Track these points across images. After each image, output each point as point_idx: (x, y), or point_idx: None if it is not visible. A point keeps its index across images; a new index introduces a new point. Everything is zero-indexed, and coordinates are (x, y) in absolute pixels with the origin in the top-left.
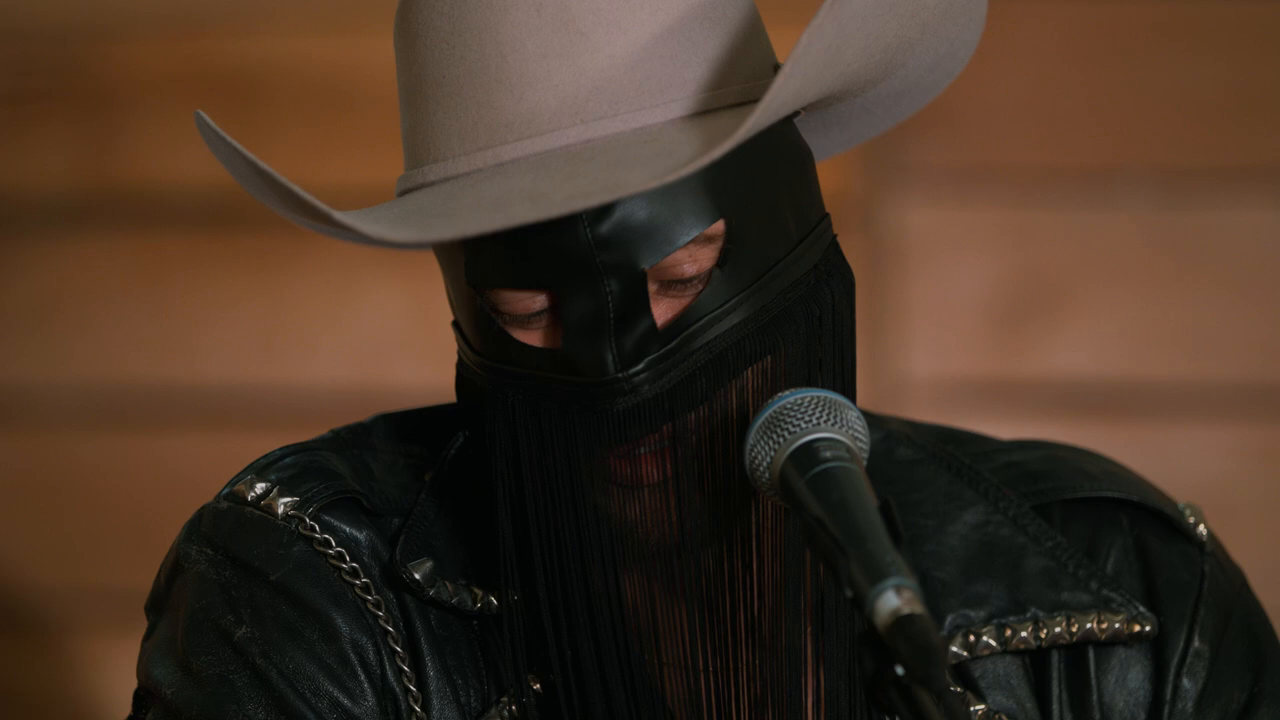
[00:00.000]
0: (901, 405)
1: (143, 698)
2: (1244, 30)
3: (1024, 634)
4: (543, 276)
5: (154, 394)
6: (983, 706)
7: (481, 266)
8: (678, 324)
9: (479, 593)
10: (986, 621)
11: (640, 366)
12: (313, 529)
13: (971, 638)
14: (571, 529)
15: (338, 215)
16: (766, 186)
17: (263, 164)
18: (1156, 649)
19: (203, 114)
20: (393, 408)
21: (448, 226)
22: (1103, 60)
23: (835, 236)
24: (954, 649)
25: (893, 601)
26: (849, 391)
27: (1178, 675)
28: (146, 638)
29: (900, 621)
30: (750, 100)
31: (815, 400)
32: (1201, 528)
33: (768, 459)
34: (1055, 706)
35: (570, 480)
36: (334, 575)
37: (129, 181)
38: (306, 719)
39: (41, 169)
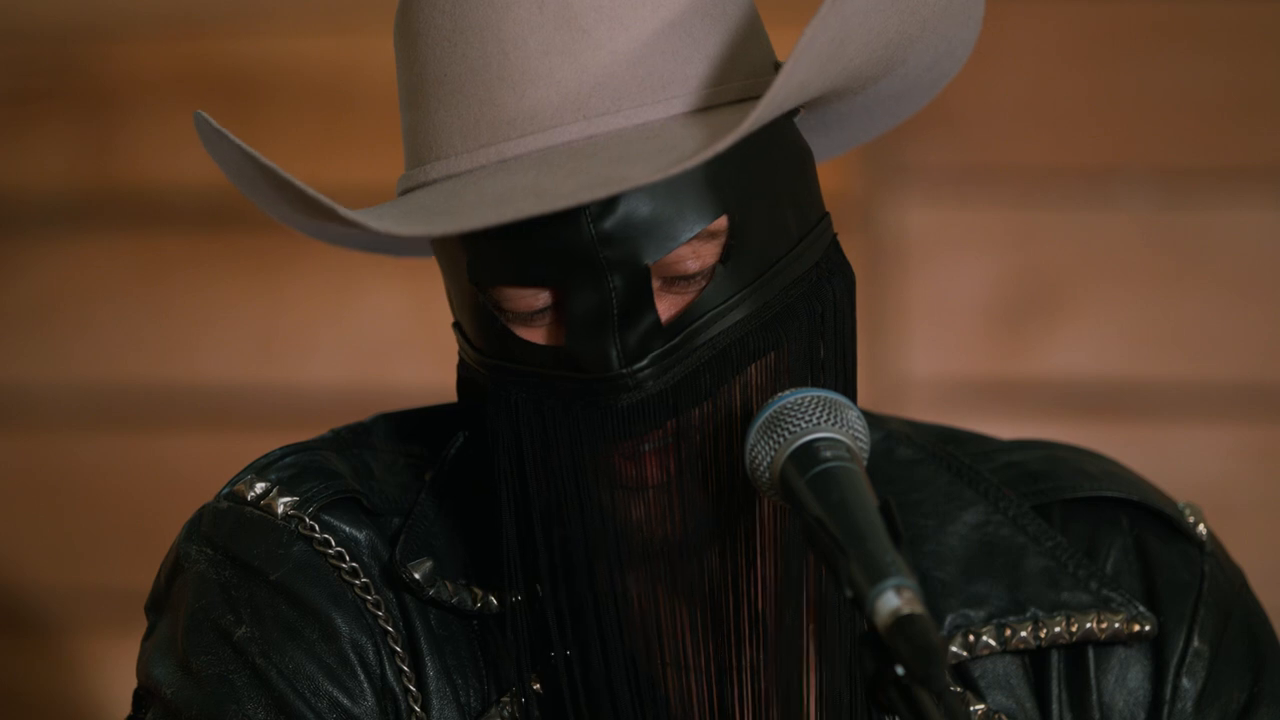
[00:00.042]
0: (901, 405)
1: (142, 697)
2: (1244, 30)
3: (1024, 634)
4: (546, 273)
5: (154, 394)
6: (982, 706)
7: (484, 264)
8: (681, 320)
9: (479, 592)
10: (986, 621)
11: (644, 362)
12: (312, 529)
13: (971, 637)
14: (577, 527)
15: (342, 210)
16: (768, 183)
17: (267, 161)
18: (1156, 649)
19: (204, 114)
20: (393, 408)
21: (451, 221)
22: (1103, 60)
23: (835, 235)
24: (954, 649)
25: (893, 601)
26: (850, 389)
27: (1177, 675)
28: (146, 637)
29: (900, 621)
30: (751, 97)
31: (815, 400)
32: (1201, 528)
33: (768, 459)
34: (1055, 706)
35: (575, 478)
36: (334, 575)
37: (129, 181)
38: (306, 718)
39: (41, 169)
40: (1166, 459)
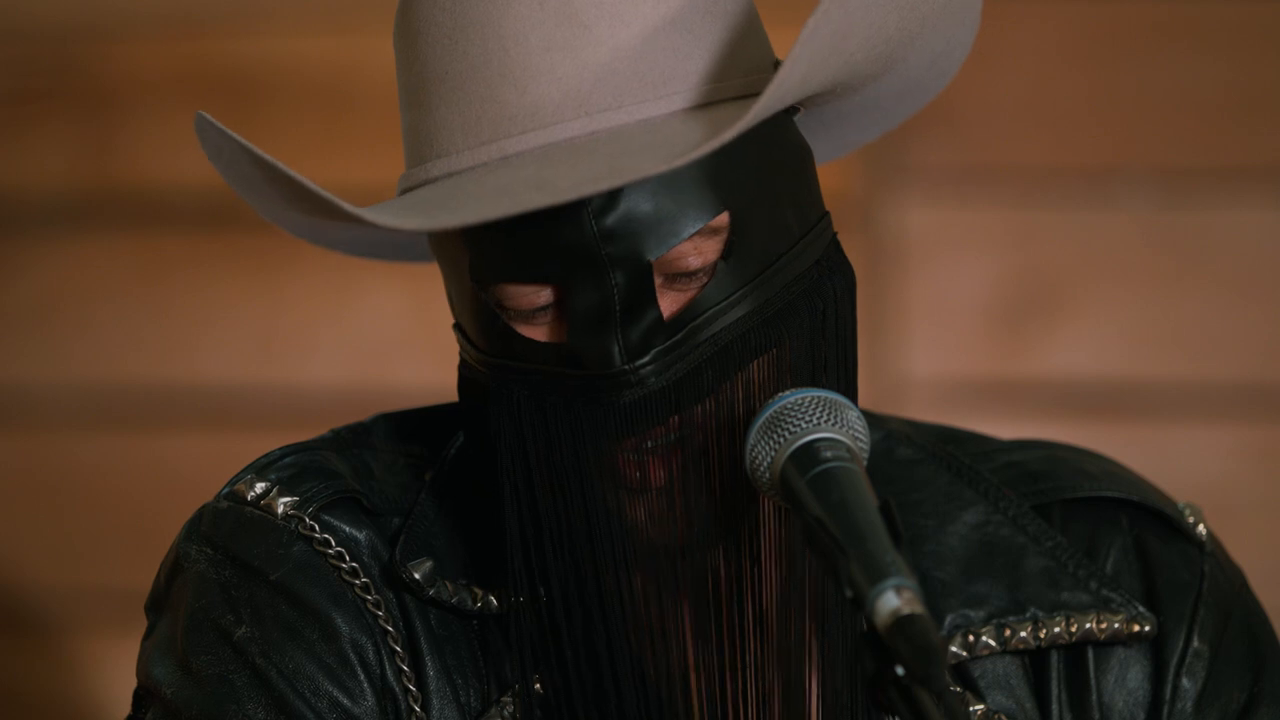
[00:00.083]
0: (901, 405)
1: (142, 697)
2: (1244, 30)
3: (1023, 634)
4: (548, 270)
5: (154, 394)
6: (982, 706)
7: (485, 262)
8: (683, 316)
9: (479, 592)
10: (986, 621)
11: (646, 358)
12: (312, 529)
13: (971, 638)
14: (581, 526)
15: (343, 205)
16: (769, 181)
17: (268, 156)
18: (1156, 649)
19: (205, 114)
20: (393, 408)
21: (452, 215)
22: (1103, 60)
23: (836, 234)
24: (953, 649)
25: (893, 601)
26: (851, 389)
27: (1177, 675)
28: (146, 637)
29: (900, 621)
30: (751, 94)
31: (815, 400)
32: (1201, 528)
33: (768, 459)
34: (1055, 706)
35: (579, 477)
36: (334, 575)
37: (129, 181)
38: (306, 718)
39: (41, 169)
40: (1166, 459)
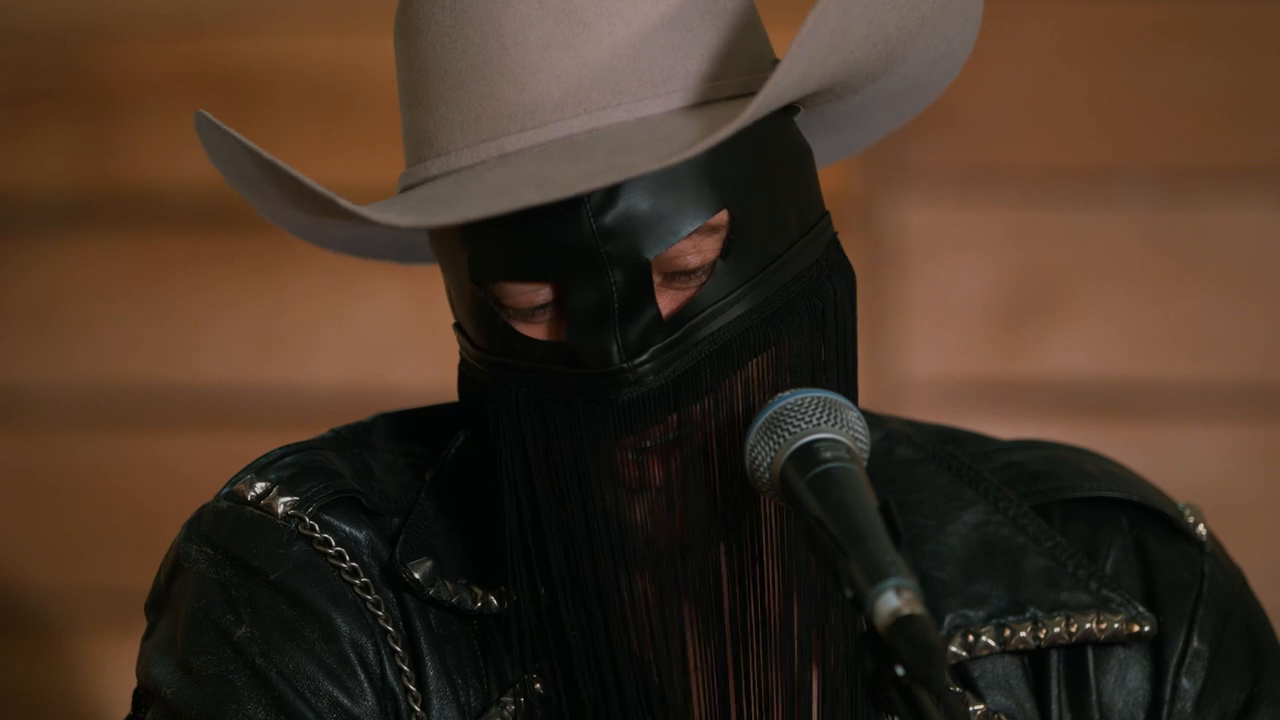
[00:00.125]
0: (901, 405)
1: (142, 697)
2: (1244, 30)
3: (1023, 634)
4: (547, 268)
5: (154, 394)
6: (982, 706)
7: (484, 260)
8: (682, 314)
9: (479, 592)
10: (986, 621)
11: (645, 357)
12: (312, 528)
13: (971, 638)
14: (581, 525)
15: (342, 202)
16: (768, 179)
17: (266, 154)
18: (1156, 649)
19: (205, 112)
20: (393, 408)
21: (450, 212)
22: (1103, 60)
23: (836, 234)
24: (953, 649)
25: (893, 602)
26: (851, 388)
27: (1177, 675)
28: (146, 637)
29: (900, 622)
30: (750, 92)
31: (815, 401)
32: (1201, 528)
33: (768, 459)
34: (1054, 706)
35: (577, 475)
36: (334, 575)
37: (129, 181)
38: (306, 718)
39: (41, 169)
40: (1166, 459)
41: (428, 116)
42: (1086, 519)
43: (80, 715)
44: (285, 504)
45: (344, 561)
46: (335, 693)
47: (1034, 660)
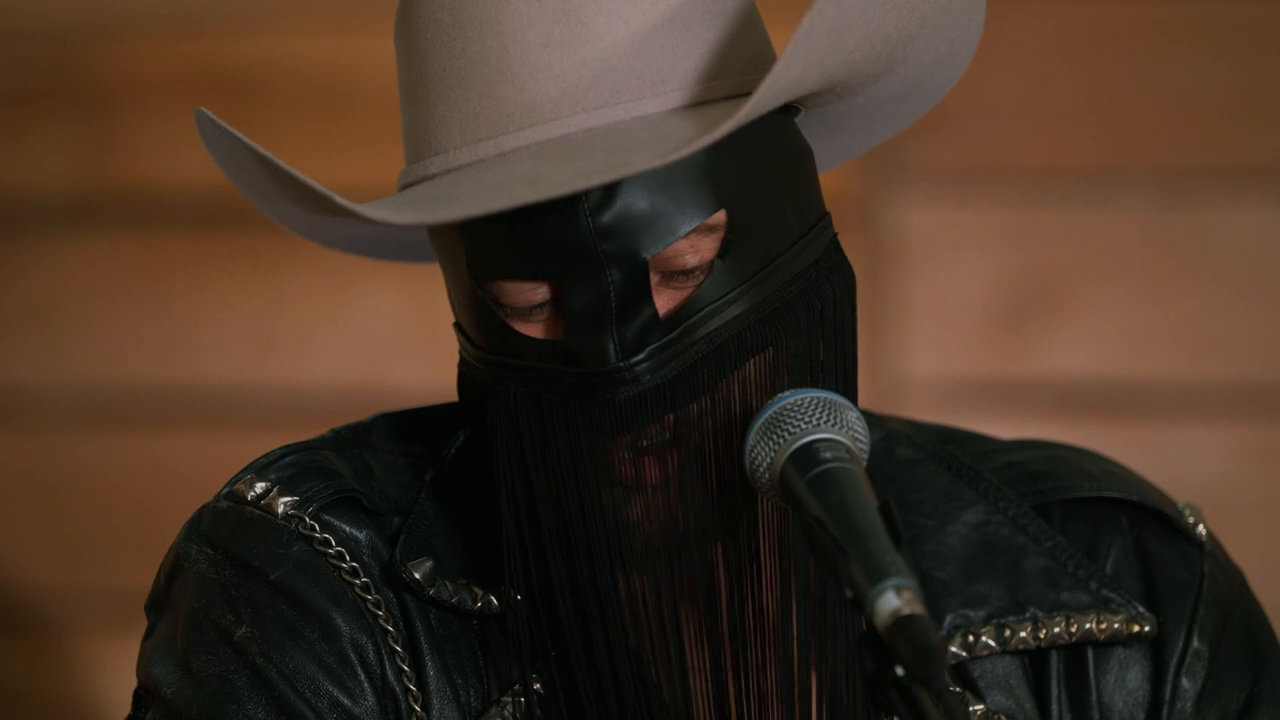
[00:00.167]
0: (901, 405)
1: (142, 697)
2: (1244, 30)
3: (1023, 634)
4: (544, 267)
5: (154, 394)
6: (982, 706)
7: (483, 259)
8: (679, 314)
9: (479, 592)
10: (986, 621)
11: (642, 356)
12: (313, 528)
13: (971, 638)
14: (578, 524)
15: (339, 200)
16: (767, 180)
17: (265, 151)
18: (1156, 649)
19: (205, 111)
20: (393, 408)
21: (448, 210)
22: (1103, 60)
23: (836, 235)
24: (953, 649)
25: (893, 602)
26: (850, 389)
27: (1177, 675)
28: (146, 637)
29: (900, 622)
30: (749, 92)
31: (815, 401)
32: (1201, 528)
33: (768, 460)
34: (1054, 706)
35: (575, 474)
36: (334, 575)
37: (129, 181)
38: (307, 718)
39: (41, 169)
40: (1166, 459)
41: (427, 115)
42: (1086, 519)
43: (80, 715)
44: (285, 504)
45: (344, 561)
46: (335, 692)
47: (1034, 660)
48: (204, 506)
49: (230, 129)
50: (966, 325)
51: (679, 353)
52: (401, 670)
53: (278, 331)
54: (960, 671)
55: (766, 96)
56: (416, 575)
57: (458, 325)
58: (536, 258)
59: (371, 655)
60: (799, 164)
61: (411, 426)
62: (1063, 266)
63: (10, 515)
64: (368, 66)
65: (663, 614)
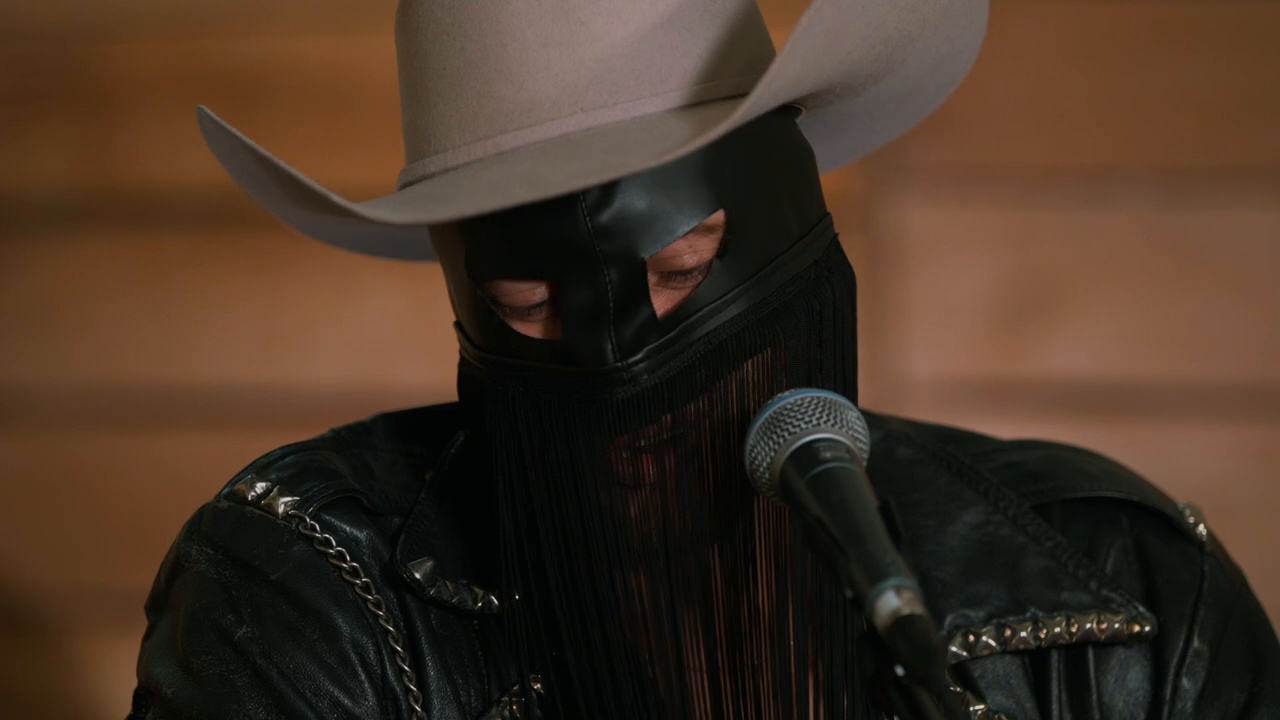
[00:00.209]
0: (901, 405)
1: (143, 697)
2: (1244, 30)
3: (1023, 634)
4: (543, 267)
5: (154, 394)
6: (982, 706)
7: (481, 258)
8: (677, 314)
9: (479, 592)
10: (986, 621)
11: (639, 356)
12: (313, 528)
13: (971, 638)
14: (576, 524)
15: (338, 200)
16: (767, 180)
17: (265, 151)
18: (1156, 649)
19: (205, 109)
20: (393, 408)
21: (446, 209)
22: (1103, 60)
23: (836, 235)
24: (954, 649)
25: (893, 602)
26: (850, 390)
27: (1177, 675)
28: (146, 637)
29: (900, 622)
30: (747, 92)
31: (815, 401)
32: (1201, 528)
33: (767, 459)
34: (1055, 706)
35: (573, 474)
36: (334, 575)
37: (129, 181)
38: (307, 718)
39: (41, 169)
40: (1166, 459)
41: (426, 114)
42: (1086, 519)
43: (80, 715)
44: (286, 504)
45: (345, 561)
46: (336, 693)
47: (1034, 660)
48: (204, 506)
49: (230, 128)
50: (966, 325)
51: (677, 353)
52: (402, 670)
53: (278, 332)
54: (961, 671)
55: (764, 96)
56: (417, 575)
57: (458, 324)
58: (534, 257)
59: (372, 655)
60: (799, 164)
61: (411, 426)
62: (1063, 266)
63: (10, 515)
64: (368, 66)
65: (660, 614)
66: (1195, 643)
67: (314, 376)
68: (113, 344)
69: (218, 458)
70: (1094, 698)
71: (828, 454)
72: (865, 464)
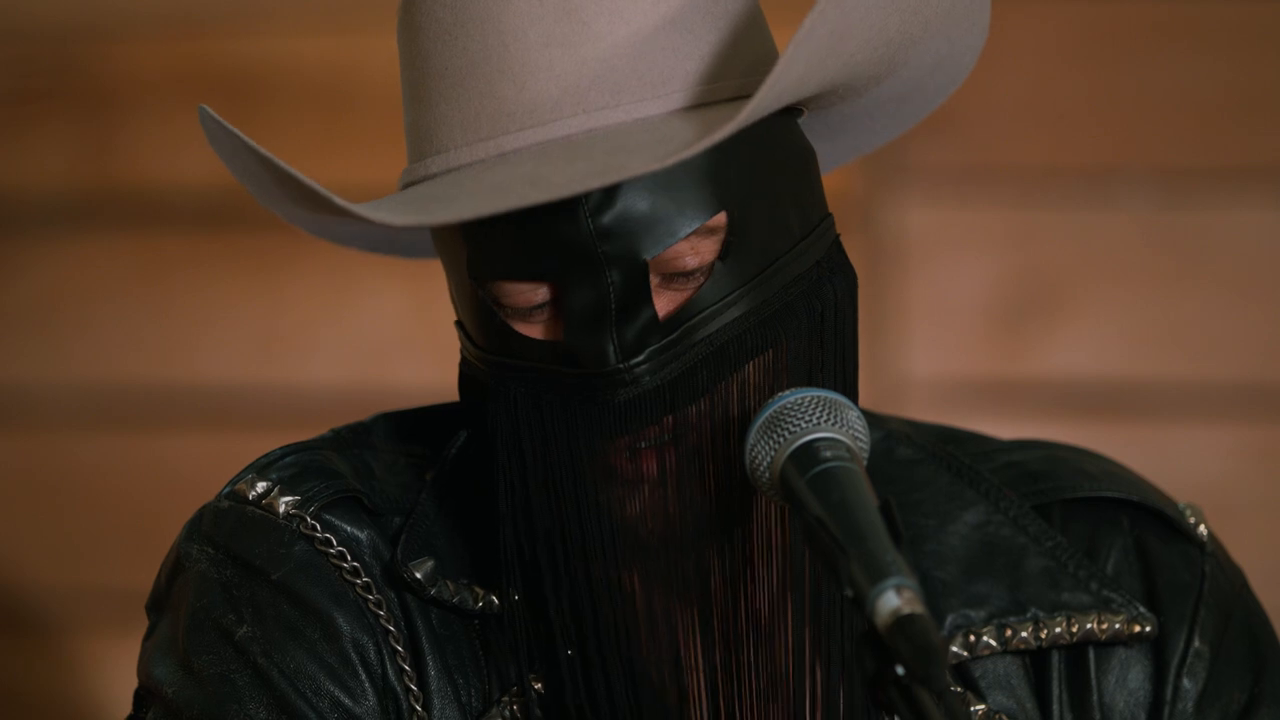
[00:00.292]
0: (901, 405)
1: (143, 697)
2: (1244, 30)
3: (1024, 634)
4: (545, 268)
5: (154, 394)
6: (983, 706)
7: (483, 259)
8: (679, 315)
9: (480, 592)
10: (987, 621)
11: (641, 357)
12: (314, 528)
13: (972, 638)
14: (575, 524)
15: (339, 201)
16: (769, 181)
17: (266, 152)
18: (1157, 649)
19: (207, 108)
20: (393, 408)
21: (447, 211)
22: (1103, 60)
23: (838, 236)
24: (954, 649)
25: (893, 601)
26: (851, 390)
27: (1178, 676)
28: (147, 637)
29: (900, 621)
30: (750, 94)
31: (815, 400)
32: (1202, 528)
33: (768, 459)
34: (1055, 707)
35: (573, 475)
36: (335, 574)
37: (129, 181)
38: (308, 718)
39: (41, 169)
40: (1166, 459)
41: (428, 114)
42: (1087, 519)
43: (80, 715)
44: (286, 504)
45: (345, 561)
46: (337, 692)
47: (1035, 660)
48: (205, 506)
49: (231, 128)
50: (966, 325)
51: (678, 354)
52: (403, 670)
53: (278, 332)
54: (961, 671)
55: (767, 98)
56: (418, 575)
57: (459, 323)
58: (536, 259)
59: (372, 655)
60: (801, 165)
61: (412, 426)
62: (1063, 266)
63: (10, 515)
64: (368, 66)
65: (659, 614)
66: (1196, 643)
67: (314, 376)
68: (113, 344)
69: (218, 458)
70: (1095, 698)
71: (828, 453)
72: (865, 463)
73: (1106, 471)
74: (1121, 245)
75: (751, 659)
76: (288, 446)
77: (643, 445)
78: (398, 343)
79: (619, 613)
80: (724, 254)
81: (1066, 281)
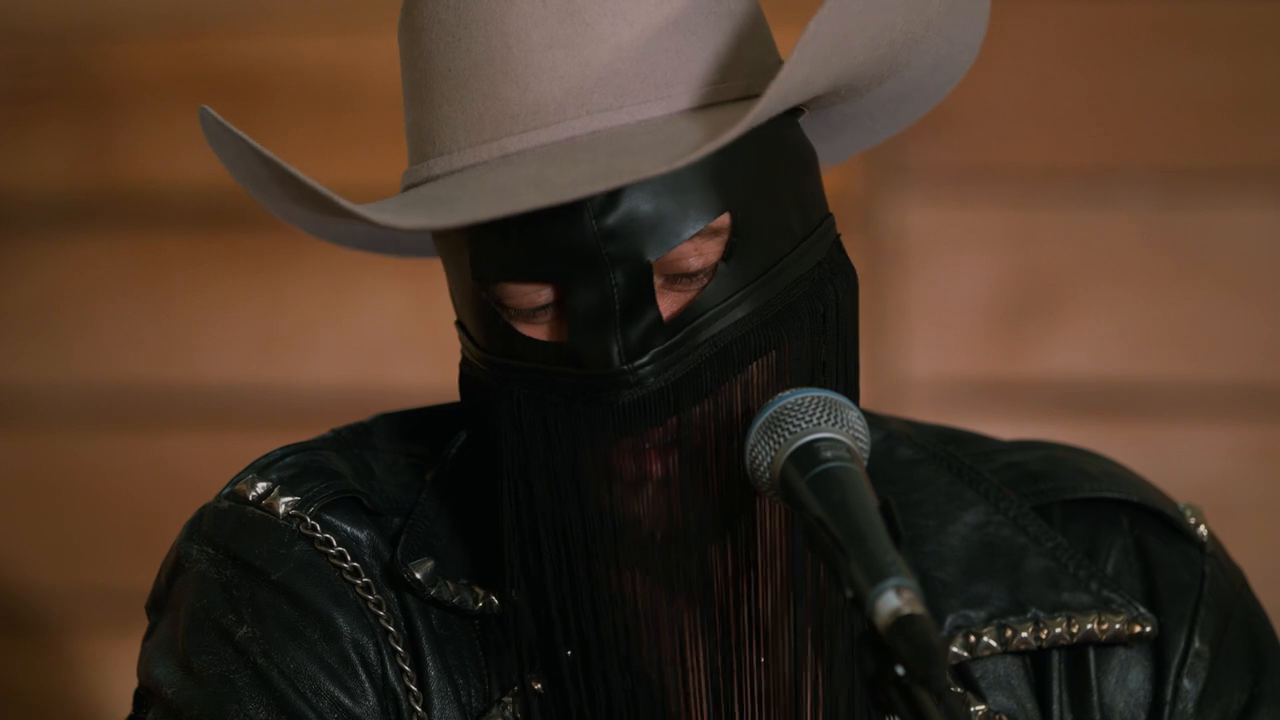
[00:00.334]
0: (901, 405)
1: (143, 697)
2: (1244, 30)
3: (1024, 634)
4: (548, 269)
5: (154, 394)
6: (983, 707)
7: (487, 260)
8: (683, 317)
9: (480, 592)
10: (987, 622)
11: (645, 359)
12: (314, 528)
13: (972, 638)
14: (577, 525)
15: (342, 202)
16: (771, 182)
17: (268, 152)
18: (1157, 650)
19: (208, 109)
20: (393, 408)
21: (451, 213)
22: (1103, 60)
23: (839, 236)
24: (954, 649)
25: (893, 602)
26: (852, 390)
27: (1178, 676)
28: (147, 637)
29: (900, 622)
30: (753, 95)
31: (816, 400)
32: (1202, 528)
33: (768, 459)
34: (1056, 707)
35: (576, 475)
36: (335, 575)
37: (129, 181)
38: (308, 718)
39: (41, 169)
40: (1166, 459)
41: (431, 115)
42: (1087, 519)
43: (80, 715)
44: (286, 504)
45: (345, 561)
46: (337, 693)
47: (1035, 661)
48: (205, 506)
49: (233, 128)
50: (966, 325)
51: (682, 356)
52: (403, 670)
53: (278, 332)
54: (961, 672)
55: (774, 100)
56: (418, 575)
57: (460, 324)
58: (540, 260)
59: (372, 655)
60: (803, 165)
61: (412, 426)
62: (1063, 266)
63: (10, 515)
64: (368, 66)
65: (660, 614)
66: (1196, 643)
67: (314, 376)
68: (113, 344)
69: (218, 458)
70: (1095, 698)
71: (828, 453)
72: (866, 464)
73: (1106, 472)
74: (1121, 245)
75: (753, 660)
76: (288, 447)
77: (646, 446)
78: (398, 343)
79: (620, 613)
80: (727, 255)
81: (1066, 281)
